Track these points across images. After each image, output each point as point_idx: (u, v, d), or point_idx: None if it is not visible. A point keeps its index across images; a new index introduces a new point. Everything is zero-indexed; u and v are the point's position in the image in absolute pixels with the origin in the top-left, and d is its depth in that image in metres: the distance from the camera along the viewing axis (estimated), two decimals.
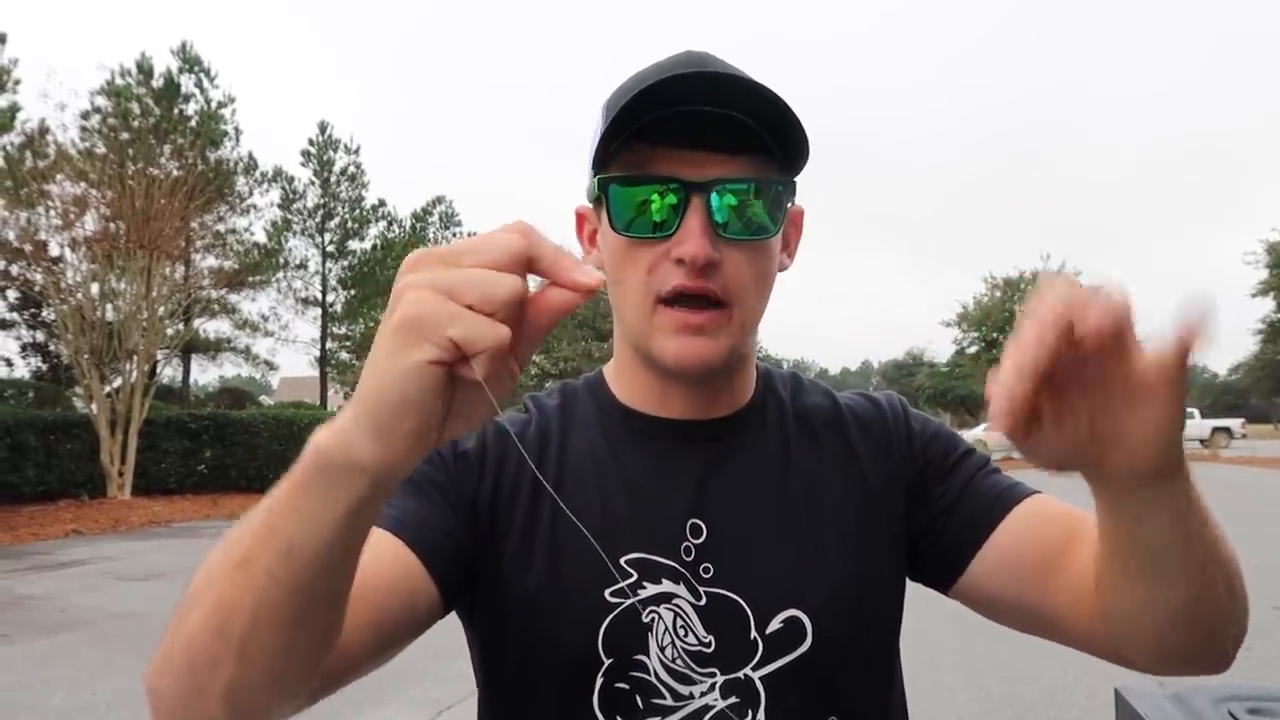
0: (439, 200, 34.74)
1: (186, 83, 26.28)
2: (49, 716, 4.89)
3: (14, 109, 20.56)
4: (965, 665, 5.47)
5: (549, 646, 0.83)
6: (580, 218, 0.92)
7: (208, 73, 26.63)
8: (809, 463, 0.91)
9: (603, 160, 0.81)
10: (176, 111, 25.61)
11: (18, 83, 21.15)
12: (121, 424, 16.97)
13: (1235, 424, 40.43)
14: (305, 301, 32.19)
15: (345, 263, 32.79)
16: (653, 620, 0.82)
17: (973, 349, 35.73)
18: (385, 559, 0.77)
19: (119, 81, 24.82)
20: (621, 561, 0.83)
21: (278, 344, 32.53)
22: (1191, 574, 0.68)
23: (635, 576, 0.83)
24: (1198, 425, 39.70)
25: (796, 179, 0.84)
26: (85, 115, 23.08)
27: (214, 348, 30.24)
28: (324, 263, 32.37)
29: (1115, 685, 1.38)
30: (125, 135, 21.60)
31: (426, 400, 0.50)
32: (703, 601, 0.83)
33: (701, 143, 0.78)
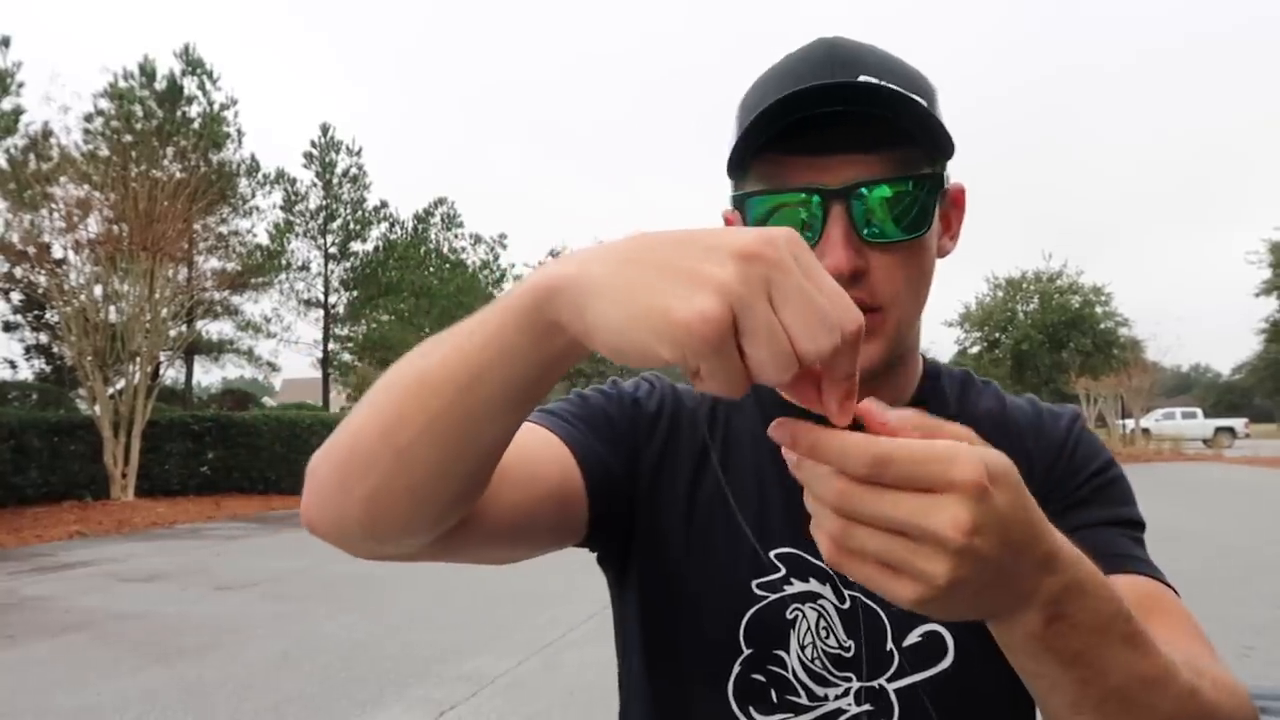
0: (441, 201, 34.74)
1: (189, 85, 26.31)
2: (52, 718, 4.89)
3: (17, 112, 20.60)
4: None
5: (691, 628, 0.82)
6: (728, 223, 0.87)
7: (210, 75, 26.65)
8: None
9: (739, 167, 0.78)
10: (179, 114, 25.63)
11: (21, 86, 21.21)
12: (125, 426, 16.98)
13: (1239, 424, 40.44)
14: (307, 303, 32.21)
15: (347, 264, 32.81)
16: (796, 617, 0.81)
17: (975, 349, 35.64)
18: (552, 460, 0.77)
19: (122, 84, 24.85)
20: (772, 555, 0.82)
21: (280, 345, 32.63)
22: (1096, 707, 0.60)
23: (783, 571, 0.82)
24: (1201, 425, 39.70)
25: (946, 166, 0.80)
26: (88, 118, 23.11)
27: (217, 349, 30.26)
28: (326, 264, 32.39)
29: None
30: (128, 137, 21.63)
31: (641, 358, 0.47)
32: (846, 605, 0.82)
33: (838, 145, 0.74)
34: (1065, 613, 0.54)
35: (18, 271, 18.46)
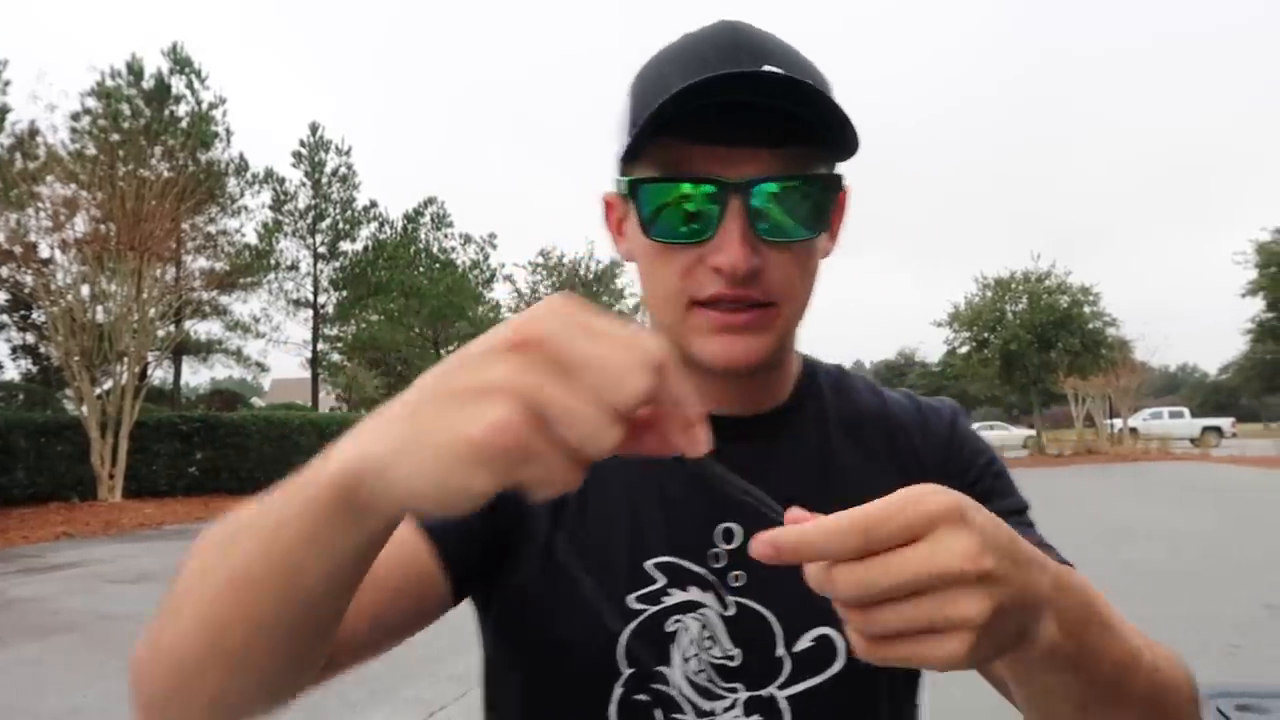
0: (430, 201, 34.71)
1: (177, 84, 26.24)
2: (41, 719, 4.87)
3: (4, 110, 20.51)
4: (967, 672, 5.47)
5: (567, 653, 0.78)
6: (608, 205, 0.85)
7: (198, 74, 26.56)
8: (850, 467, 0.85)
9: (631, 152, 0.74)
10: (167, 113, 25.55)
11: (7, 84, 21.11)
12: (112, 426, 16.89)
13: (1226, 423, 40.68)
14: (297, 303, 32.11)
15: (337, 264, 32.72)
16: (678, 629, 0.78)
17: (964, 349, 35.78)
18: (398, 551, 0.73)
19: (109, 83, 24.76)
20: (649, 565, 0.79)
21: (269, 346, 32.61)
22: (1099, 707, 0.62)
23: (662, 582, 0.79)
24: (1188, 424, 39.93)
25: (841, 169, 0.78)
26: (75, 116, 23.02)
27: (205, 349, 30.16)
28: (315, 264, 32.30)
29: None
30: (116, 136, 21.52)
31: (458, 506, 0.45)
32: (730, 612, 0.78)
33: (740, 137, 0.71)
34: (1061, 609, 0.54)
35: (4, 271, 18.35)
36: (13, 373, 25.46)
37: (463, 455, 0.42)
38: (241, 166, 28.36)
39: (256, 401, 42.26)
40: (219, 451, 18.91)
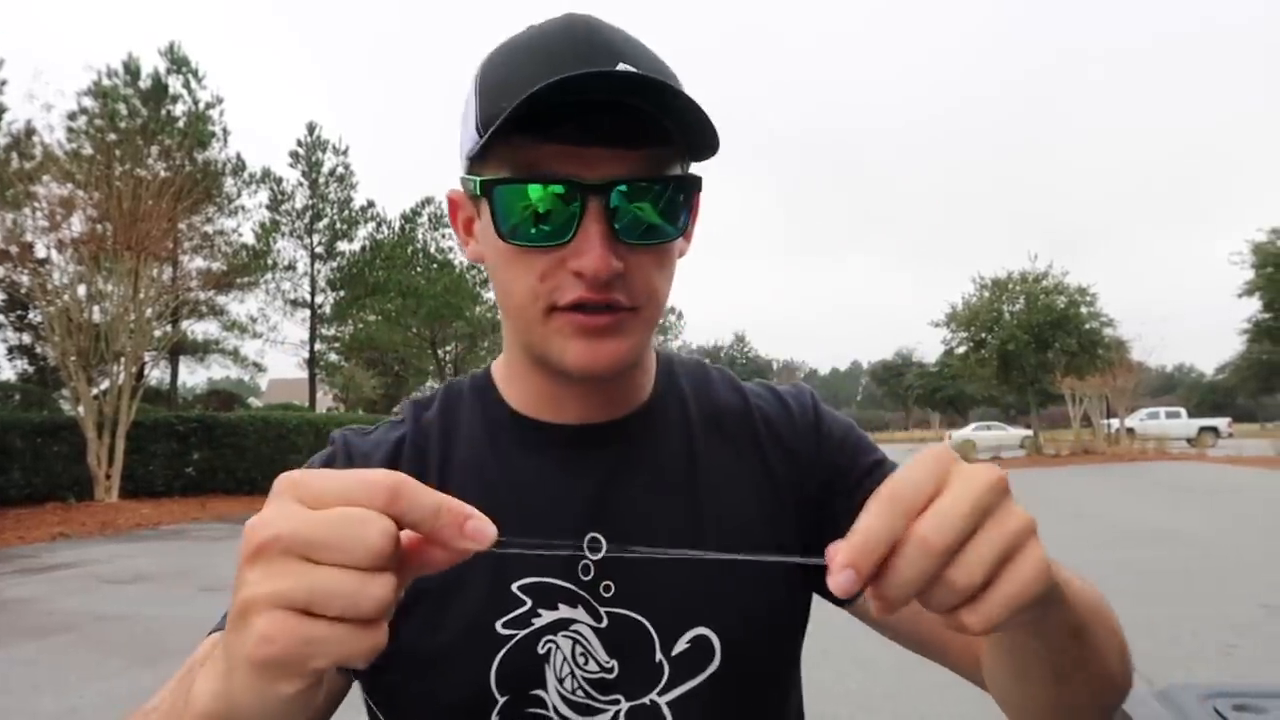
0: (428, 201, 34.65)
1: (174, 83, 26.21)
2: (38, 719, 4.86)
3: (0, 109, 20.44)
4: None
5: (438, 690, 0.76)
6: (454, 204, 0.82)
7: (195, 73, 26.54)
8: (715, 466, 0.84)
9: (480, 150, 0.71)
10: (164, 112, 25.52)
11: (3, 83, 21.08)
12: (109, 426, 16.88)
13: (1222, 423, 40.72)
14: (294, 303, 32.11)
15: (334, 264, 32.72)
16: (549, 650, 0.76)
17: (961, 349, 35.80)
18: None
19: (106, 82, 24.73)
20: (514, 588, 0.76)
21: (266, 346, 32.60)
22: (1081, 669, 0.66)
23: (529, 604, 0.76)
24: (1185, 424, 39.98)
25: (699, 171, 0.76)
26: (72, 116, 23.00)
27: (202, 349, 30.15)
28: (312, 264, 32.29)
29: None
30: (112, 136, 21.49)
31: (301, 700, 0.46)
32: (604, 624, 0.77)
33: (596, 137, 0.68)
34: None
35: (0, 271, 18.32)
36: (9, 373, 25.44)
37: (256, 673, 0.43)
38: (238, 166, 28.35)
39: (253, 402, 42.24)
40: (216, 452, 18.91)
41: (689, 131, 0.70)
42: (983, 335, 33.98)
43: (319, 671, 0.44)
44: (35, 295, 17.68)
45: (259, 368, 33.10)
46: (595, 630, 0.77)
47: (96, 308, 17.72)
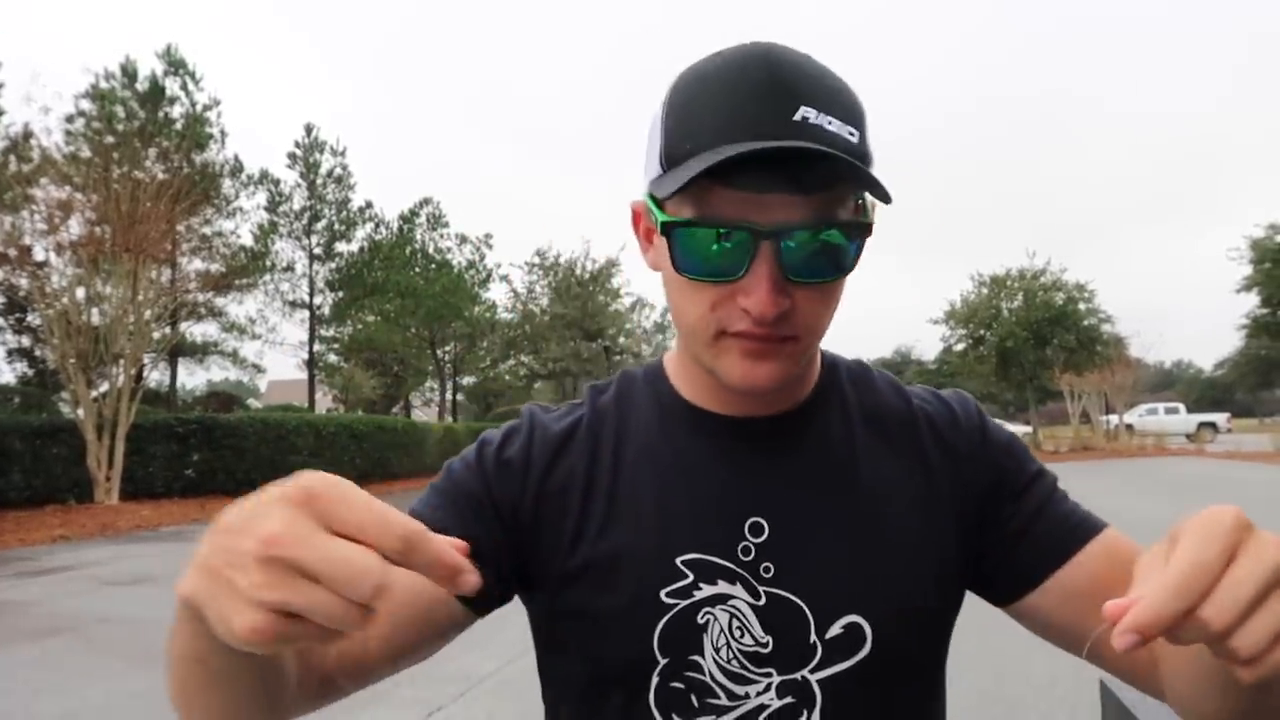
0: (426, 201, 34.68)
1: (171, 85, 26.19)
2: None
3: None
4: (956, 662, 5.48)
5: (606, 647, 0.83)
6: (636, 214, 0.87)
7: (193, 75, 26.52)
8: (877, 462, 0.88)
9: (666, 188, 0.75)
10: (161, 114, 25.51)
11: (1, 86, 21.03)
12: (108, 428, 16.86)
13: (1221, 418, 40.78)
14: (292, 304, 32.09)
15: (332, 265, 32.71)
16: (708, 621, 0.82)
17: (960, 346, 35.81)
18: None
19: (104, 84, 24.71)
20: (678, 562, 0.83)
21: (265, 347, 32.56)
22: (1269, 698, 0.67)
23: (691, 578, 0.82)
24: (1183, 420, 40.03)
25: (874, 214, 0.79)
26: (70, 118, 23.00)
27: (201, 351, 30.14)
28: (311, 265, 32.28)
29: (1101, 677, 1.39)
30: (110, 138, 21.49)
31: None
32: (762, 601, 0.82)
33: (773, 184, 0.72)
34: None
35: None
36: (8, 376, 25.43)
37: (237, 636, 0.50)
38: (237, 168, 28.32)
39: (253, 403, 42.24)
40: (216, 453, 18.88)
41: (859, 180, 0.74)
42: (981, 332, 34.02)
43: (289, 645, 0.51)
44: (34, 298, 17.66)
45: (258, 369, 33.10)
46: (753, 607, 0.82)
47: (95, 310, 17.69)
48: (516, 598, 0.91)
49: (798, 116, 0.72)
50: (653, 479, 0.86)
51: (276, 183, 31.31)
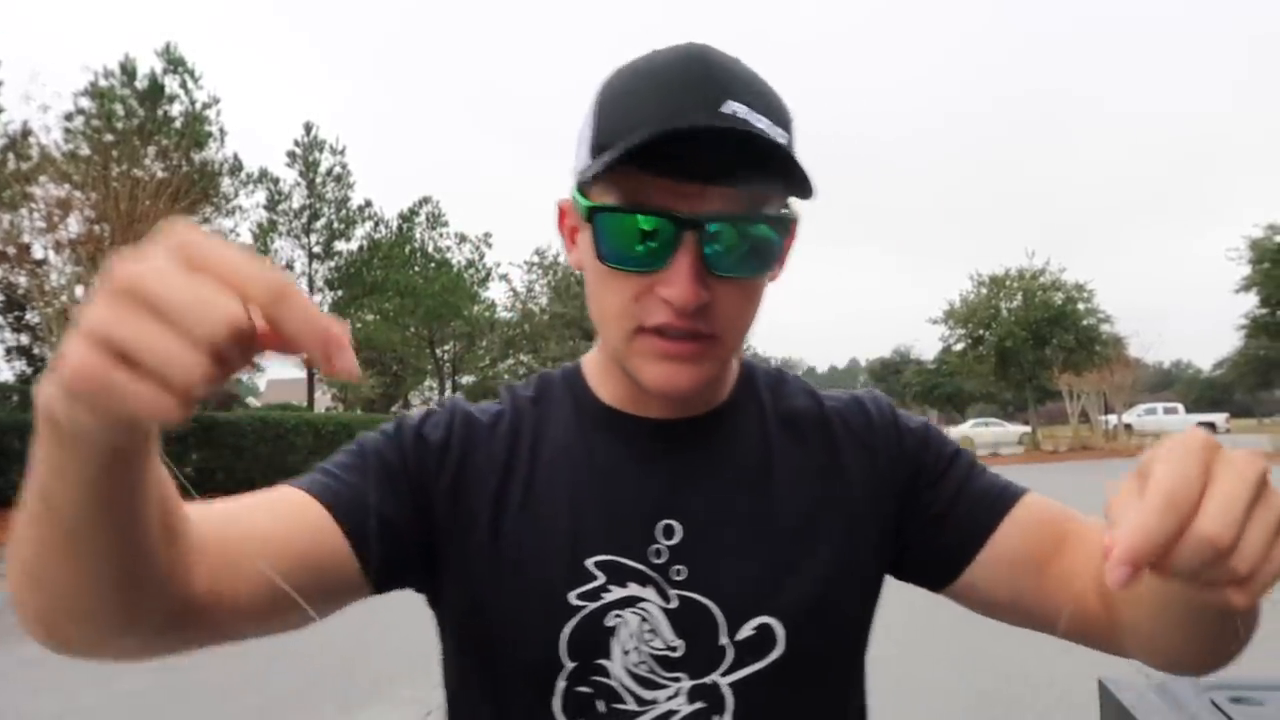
0: (425, 200, 34.69)
1: (171, 84, 26.14)
2: None
3: None
4: (954, 661, 5.50)
5: (511, 648, 0.81)
6: (562, 211, 0.87)
7: (192, 74, 26.49)
8: (790, 465, 0.88)
9: (591, 176, 0.76)
10: (161, 113, 25.46)
11: (0, 84, 21.01)
12: None
13: (1219, 419, 40.82)
14: None
15: (332, 264, 32.69)
16: (617, 625, 0.80)
17: (959, 346, 35.84)
18: (299, 525, 0.74)
19: (102, 83, 24.67)
20: (588, 564, 0.81)
21: None
22: (1232, 621, 0.68)
23: (601, 579, 0.81)
24: (1182, 420, 40.06)
25: (796, 210, 0.80)
26: (69, 117, 22.92)
27: None
28: (310, 264, 32.26)
29: (1099, 676, 1.39)
30: (109, 137, 21.45)
31: (105, 440, 0.49)
32: (673, 605, 0.81)
33: (697, 174, 0.72)
34: None
35: None
36: (7, 374, 25.40)
37: (64, 397, 0.46)
38: (236, 166, 28.30)
39: (252, 401, 42.19)
40: (214, 452, 18.86)
41: (788, 174, 0.73)
42: (980, 332, 34.06)
43: (119, 418, 0.45)
44: (33, 296, 17.65)
45: (257, 367, 33.04)
46: (664, 610, 0.81)
47: None
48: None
49: (726, 109, 0.72)
50: (567, 480, 0.85)
51: (276, 181, 31.32)
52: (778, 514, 0.85)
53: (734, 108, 0.73)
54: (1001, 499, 0.87)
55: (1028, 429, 35.96)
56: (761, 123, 0.73)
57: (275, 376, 47.34)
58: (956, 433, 37.56)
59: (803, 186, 0.74)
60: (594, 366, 0.92)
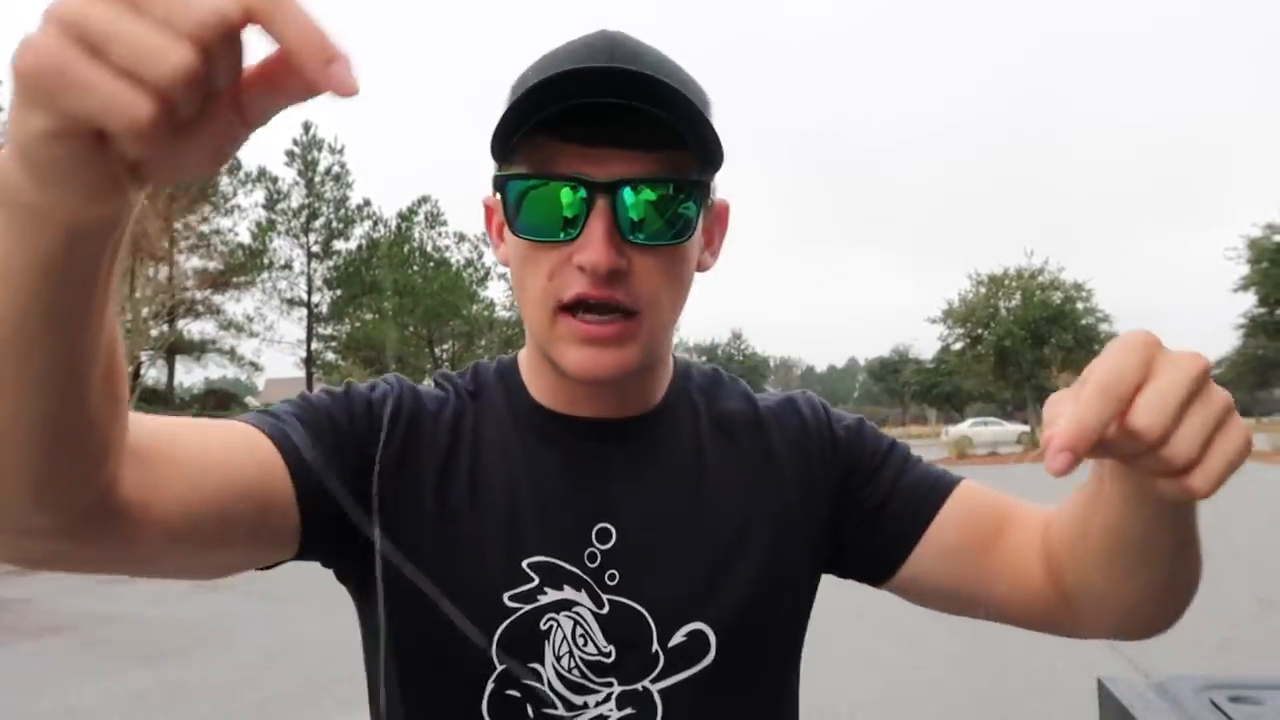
0: (424, 200, 34.72)
1: None
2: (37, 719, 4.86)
3: None
4: (952, 660, 5.50)
5: (441, 647, 0.79)
6: (489, 210, 0.86)
7: None
8: (724, 468, 0.87)
9: (504, 152, 0.75)
10: None
11: None
12: None
13: None
14: (290, 302, 32.11)
15: (330, 263, 32.73)
16: (551, 627, 0.79)
17: (958, 345, 35.84)
18: (249, 459, 0.70)
19: None
20: (524, 565, 0.80)
21: (263, 345, 32.52)
22: (1186, 565, 0.71)
23: (536, 581, 0.80)
24: None
25: (713, 177, 0.79)
26: None
27: (199, 349, 30.13)
28: (309, 263, 32.29)
29: (1098, 675, 1.39)
30: None
31: (72, 169, 0.40)
32: (605, 610, 0.80)
33: (611, 139, 0.72)
34: None
35: None
36: None
37: (19, 89, 0.39)
38: (234, 165, 28.28)
39: (251, 401, 42.18)
40: None
41: (699, 140, 0.72)
42: (979, 331, 34.04)
43: (73, 117, 0.38)
44: None
45: (256, 367, 33.15)
46: (596, 615, 0.80)
47: None
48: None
49: (631, 69, 0.71)
50: (504, 479, 0.83)
51: (275, 180, 31.35)
52: (710, 519, 0.84)
53: (635, 71, 0.71)
54: (935, 490, 0.86)
55: (1026, 428, 35.93)
56: (669, 82, 0.71)
57: (274, 375, 47.27)
58: (955, 432, 37.61)
59: (712, 152, 0.73)
60: (526, 363, 0.90)
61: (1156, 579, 0.72)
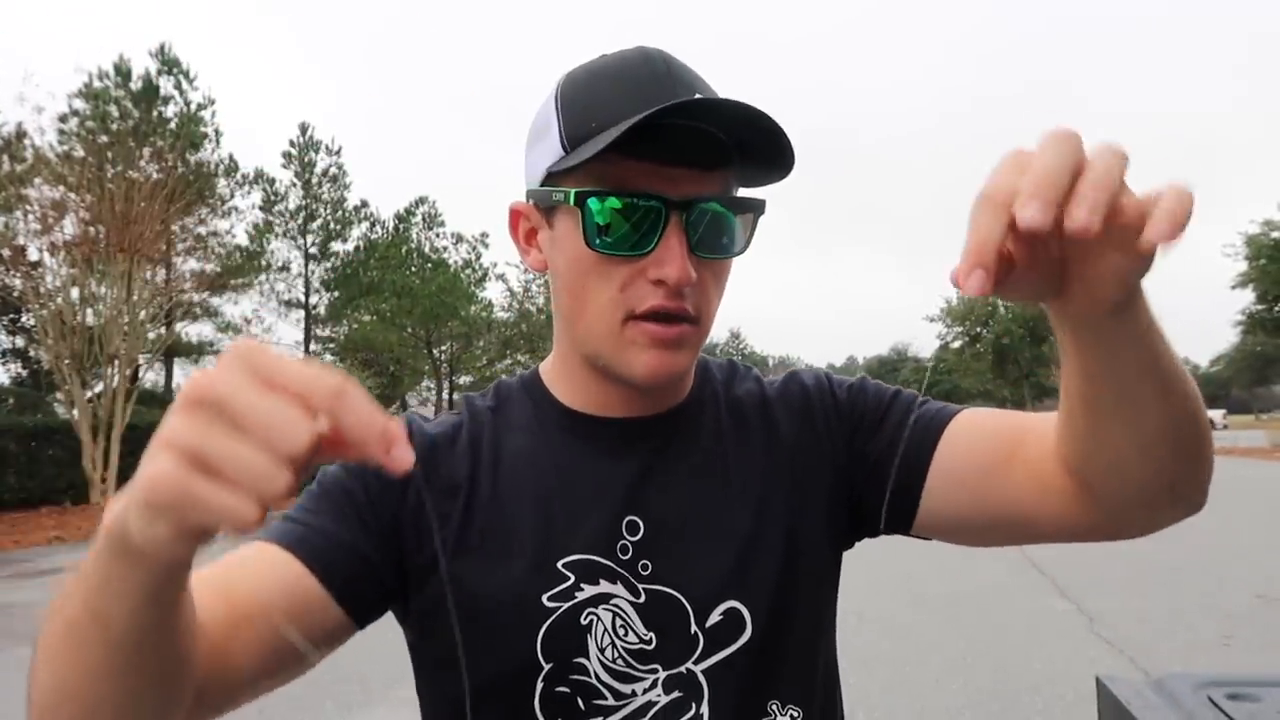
0: (422, 200, 34.71)
1: (165, 85, 26.17)
2: None
3: None
4: (953, 659, 5.50)
5: (487, 655, 0.81)
6: (516, 214, 0.88)
7: (187, 74, 26.49)
8: (742, 452, 0.90)
9: (562, 169, 0.79)
10: (155, 114, 25.48)
11: None
12: (104, 429, 16.84)
13: (1217, 415, 40.97)
14: (288, 304, 32.11)
15: (328, 264, 32.73)
16: (591, 622, 0.82)
17: (956, 343, 35.90)
18: (271, 579, 0.75)
19: (97, 84, 24.67)
20: (559, 565, 0.83)
21: None
22: (1166, 395, 0.69)
23: (572, 579, 0.82)
24: None
25: (765, 196, 0.84)
26: (63, 118, 22.93)
27: (197, 351, 30.11)
28: (306, 265, 32.29)
29: (1096, 674, 1.39)
30: (104, 138, 21.44)
31: (180, 551, 0.49)
32: (642, 599, 0.83)
33: (678, 158, 0.76)
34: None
35: None
36: (2, 376, 25.37)
37: (140, 508, 0.47)
38: (231, 167, 28.30)
39: None
40: None
41: (757, 153, 0.78)
42: (978, 329, 34.13)
43: (198, 528, 0.46)
44: (28, 298, 17.63)
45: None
46: (634, 605, 0.83)
47: (90, 310, 17.66)
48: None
49: (696, 98, 0.76)
50: (532, 484, 0.86)
51: (271, 182, 31.32)
52: (734, 501, 0.88)
53: (702, 100, 0.76)
54: (936, 421, 0.87)
55: None
56: (731, 112, 0.75)
57: None
58: None
59: (779, 165, 0.79)
60: (553, 372, 0.93)
61: (1151, 429, 0.70)
